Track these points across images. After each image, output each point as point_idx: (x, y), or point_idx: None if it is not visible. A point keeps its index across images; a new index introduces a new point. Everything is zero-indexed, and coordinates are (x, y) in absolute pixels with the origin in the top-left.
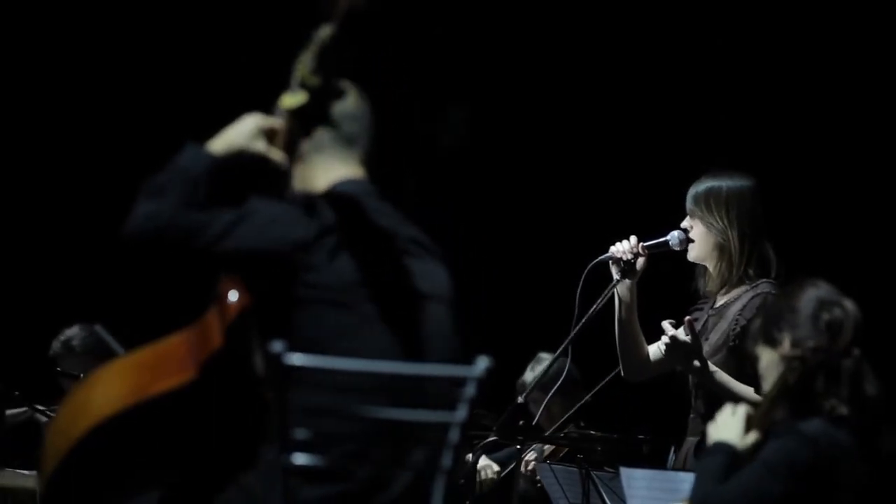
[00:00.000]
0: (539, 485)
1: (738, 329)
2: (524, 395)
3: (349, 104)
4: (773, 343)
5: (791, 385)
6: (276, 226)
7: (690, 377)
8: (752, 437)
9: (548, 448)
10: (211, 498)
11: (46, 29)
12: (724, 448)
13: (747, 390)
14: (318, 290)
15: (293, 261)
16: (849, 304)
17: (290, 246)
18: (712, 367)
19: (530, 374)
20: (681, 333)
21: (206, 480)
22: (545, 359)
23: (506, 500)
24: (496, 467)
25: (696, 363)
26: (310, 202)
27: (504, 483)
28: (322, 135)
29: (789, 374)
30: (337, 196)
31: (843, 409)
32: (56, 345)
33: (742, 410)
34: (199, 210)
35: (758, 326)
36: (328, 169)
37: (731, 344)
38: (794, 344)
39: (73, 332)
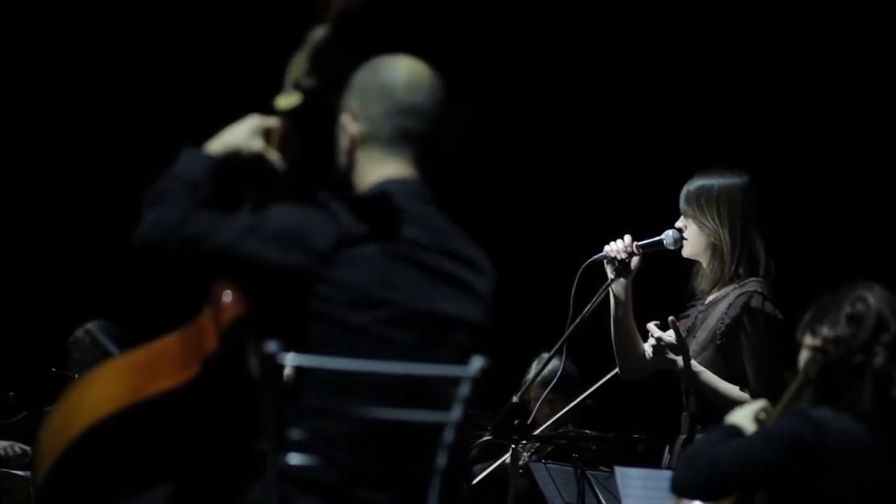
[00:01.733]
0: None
1: (724, 327)
2: (519, 394)
3: (418, 96)
4: (813, 335)
5: (812, 378)
6: (292, 234)
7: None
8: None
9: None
10: (214, 500)
11: (50, 30)
12: (731, 427)
13: (733, 389)
14: (329, 304)
15: (305, 271)
16: (873, 300)
17: (304, 256)
18: (698, 367)
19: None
20: (666, 335)
21: (206, 483)
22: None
23: (501, 499)
24: None
25: (682, 363)
26: (333, 207)
27: (499, 481)
28: (383, 124)
29: (811, 367)
30: (371, 200)
31: (867, 406)
32: (79, 332)
33: (759, 403)
34: (205, 213)
35: (807, 319)
36: (380, 164)
37: (717, 342)
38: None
39: (93, 325)
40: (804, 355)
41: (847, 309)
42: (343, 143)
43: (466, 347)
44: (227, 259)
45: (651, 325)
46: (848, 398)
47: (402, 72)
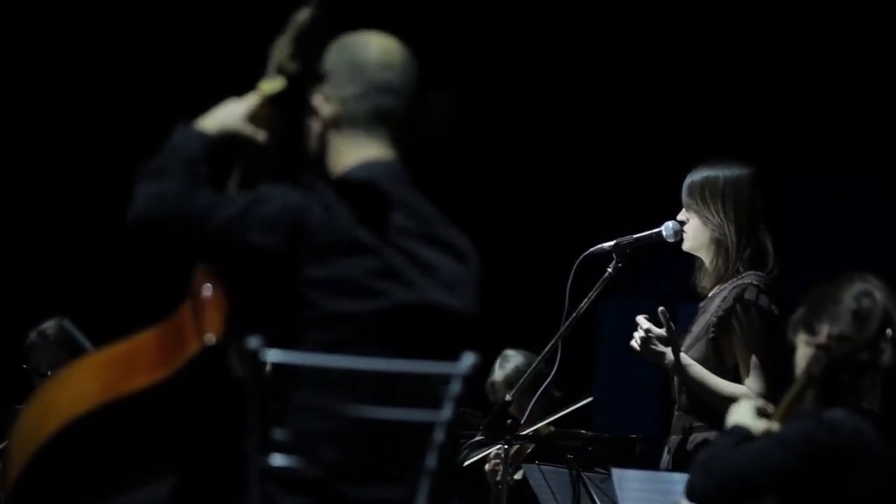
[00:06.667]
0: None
1: (716, 319)
2: (512, 393)
3: (391, 73)
4: (811, 332)
5: (816, 376)
6: (289, 216)
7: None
8: (771, 425)
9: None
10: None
11: (29, 16)
12: (738, 430)
13: (723, 384)
14: (318, 290)
15: (298, 255)
16: (880, 295)
17: (299, 239)
18: (688, 361)
19: (500, 373)
20: (655, 328)
21: (187, 486)
22: (511, 356)
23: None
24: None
25: (671, 356)
26: (321, 191)
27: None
28: (357, 104)
29: (814, 365)
30: (354, 185)
31: (873, 404)
32: (32, 334)
33: (757, 400)
34: (204, 191)
35: (799, 315)
36: (358, 146)
37: (710, 335)
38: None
39: (49, 324)
40: (803, 353)
41: (852, 305)
42: (315, 126)
43: (454, 339)
44: (225, 240)
45: (640, 318)
46: (854, 397)
47: (373, 49)
